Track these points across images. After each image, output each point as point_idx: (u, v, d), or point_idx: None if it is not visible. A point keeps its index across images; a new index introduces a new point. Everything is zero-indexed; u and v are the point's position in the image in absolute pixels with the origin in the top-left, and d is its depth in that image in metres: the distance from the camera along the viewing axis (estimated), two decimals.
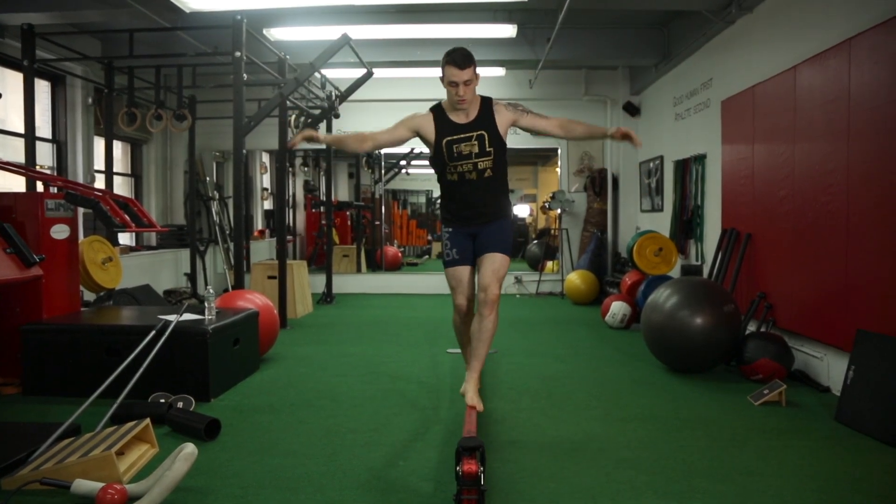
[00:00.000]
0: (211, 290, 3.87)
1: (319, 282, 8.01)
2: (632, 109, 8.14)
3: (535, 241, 11.41)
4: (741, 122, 4.92)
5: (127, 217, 4.19)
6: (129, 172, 7.98)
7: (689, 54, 6.20)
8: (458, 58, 2.85)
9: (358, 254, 9.68)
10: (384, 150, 8.81)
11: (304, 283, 6.95)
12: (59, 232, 4.03)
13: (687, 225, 6.25)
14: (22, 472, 2.43)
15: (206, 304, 3.85)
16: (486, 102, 3.03)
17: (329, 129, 7.59)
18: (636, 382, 4.03)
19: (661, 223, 6.87)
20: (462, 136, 2.97)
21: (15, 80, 5.71)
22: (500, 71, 7.79)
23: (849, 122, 3.54)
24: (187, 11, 5.09)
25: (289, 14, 5.87)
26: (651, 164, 7.45)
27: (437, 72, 2.99)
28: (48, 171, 6.14)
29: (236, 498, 2.37)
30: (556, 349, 5.06)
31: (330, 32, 5.74)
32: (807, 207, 3.98)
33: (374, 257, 9.90)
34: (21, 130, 5.36)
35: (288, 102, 6.09)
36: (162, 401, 3.34)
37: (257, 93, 7.56)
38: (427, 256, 13.16)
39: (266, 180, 10.70)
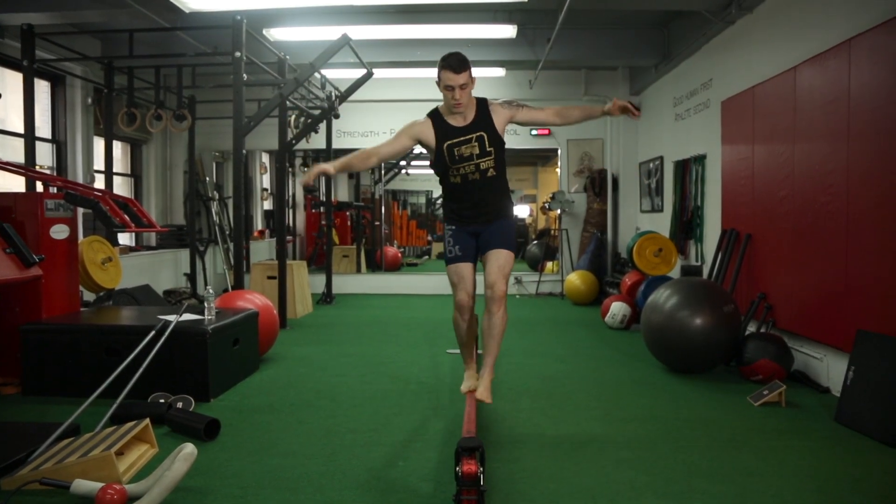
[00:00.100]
0: (210, 291, 3.87)
1: (319, 282, 8.01)
2: None
3: (535, 242, 11.41)
4: (741, 122, 4.92)
5: (126, 217, 4.19)
6: (129, 172, 7.98)
7: (689, 55, 6.21)
8: (454, 62, 2.88)
9: (358, 254, 9.68)
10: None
11: (304, 283, 6.95)
12: (59, 232, 4.03)
13: (687, 225, 6.25)
14: (21, 472, 2.43)
15: (205, 305, 3.85)
16: (482, 103, 3.05)
17: (329, 129, 7.60)
18: (636, 383, 4.03)
19: (661, 224, 6.87)
20: (462, 138, 3.00)
21: (15, 80, 5.71)
22: (500, 71, 7.79)
23: (849, 123, 3.54)
24: (187, 11, 5.09)
25: (289, 14, 5.87)
26: (651, 165, 7.45)
27: (436, 72, 2.99)
28: (48, 172, 6.14)
29: (236, 498, 2.37)
30: (556, 349, 5.06)
31: (330, 32, 5.74)
32: (807, 208, 3.98)
33: (373, 258, 9.90)
34: (21, 130, 5.36)
35: (288, 102, 6.09)
36: (161, 401, 3.34)
37: (257, 93, 7.56)
38: (427, 257, 13.16)
39: (266, 180, 10.71)
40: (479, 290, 3.07)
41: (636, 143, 8.20)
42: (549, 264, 9.10)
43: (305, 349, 5.04)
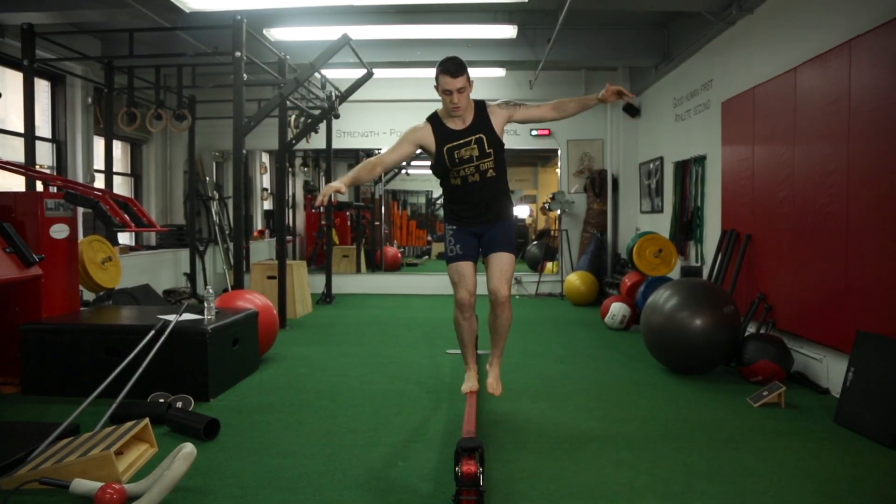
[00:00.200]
0: (210, 290, 3.87)
1: (319, 282, 8.01)
2: (632, 110, 8.15)
3: (535, 242, 11.41)
4: (741, 123, 4.92)
5: (126, 217, 4.18)
6: (129, 172, 7.98)
7: (689, 55, 6.21)
8: (451, 67, 2.92)
9: (357, 254, 9.68)
10: (384, 150, 8.80)
11: (304, 283, 6.95)
12: (59, 231, 4.03)
13: (687, 226, 6.25)
14: (21, 471, 2.43)
15: (205, 304, 3.85)
16: (480, 106, 3.09)
17: (329, 129, 7.60)
18: (636, 383, 4.03)
19: (661, 224, 6.87)
20: (461, 141, 3.04)
21: (15, 79, 5.71)
22: (500, 72, 7.79)
23: (849, 124, 3.54)
24: (187, 11, 5.09)
25: (289, 14, 5.87)
26: (651, 166, 7.45)
27: (434, 77, 3.02)
28: (48, 171, 6.14)
29: (235, 498, 2.37)
30: (556, 350, 5.06)
31: (330, 32, 5.74)
32: (807, 209, 3.98)
33: (373, 258, 9.90)
34: (21, 130, 5.36)
35: (288, 102, 6.09)
36: (161, 400, 3.34)
37: (257, 93, 7.56)
38: (427, 257, 13.16)
39: (266, 180, 10.71)
40: (480, 289, 3.09)
41: (636, 143, 8.20)
42: (549, 265, 9.10)
43: (305, 349, 5.04)
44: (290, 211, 10.76)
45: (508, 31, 6.15)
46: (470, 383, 3.27)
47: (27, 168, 4.95)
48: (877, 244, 3.33)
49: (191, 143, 7.45)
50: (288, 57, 6.14)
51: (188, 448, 2.34)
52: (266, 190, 10.72)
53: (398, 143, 3.09)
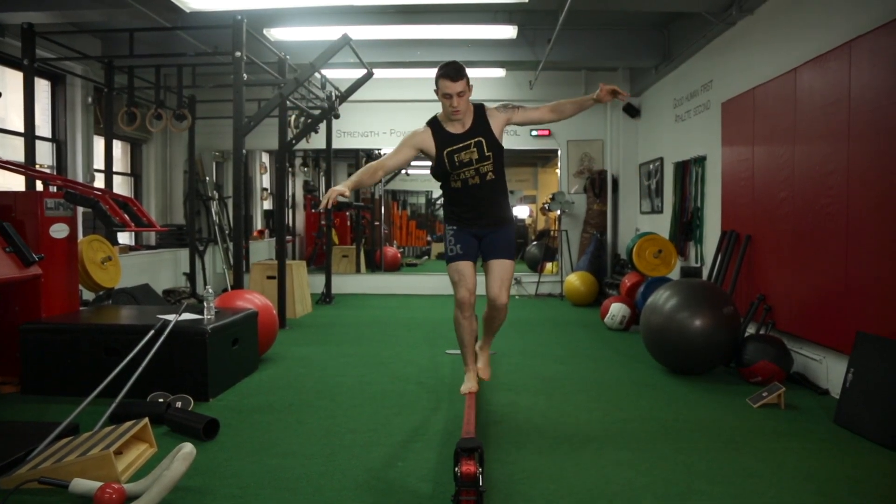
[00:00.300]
0: (210, 290, 3.87)
1: (318, 282, 8.01)
2: (632, 111, 8.15)
3: (535, 243, 11.41)
4: (741, 123, 4.93)
5: (126, 216, 4.18)
6: (129, 172, 7.98)
7: (689, 56, 6.21)
8: (451, 71, 2.95)
9: (357, 254, 9.68)
10: (384, 150, 8.80)
11: (304, 283, 6.95)
12: (59, 231, 4.03)
13: (687, 227, 6.25)
14: (20, 471, 2.43)
15: (205, 304, 3.84)
16: (479, 109, 3.13)
17: (329, 129, 7.60)
18: (635, 384, 4.03)
19: (661, 225, 6.87)
20: (461, 145, 3.07)
21: (15, 79, 5.71)
22: (500, 72, 7.79)
23: (849, 124, 3.54)
24: (187, 11, 5.09)
25: (289, 14, 5.87)
26: (651, 166, 7.45)
27: (434, 81, 3.04)
28: (48, 171, 6.14)
29: (235, 498, 2.37)
30: (555, 350, 5.06)
31: (330, 32, 5.74)
32: (807, 209, 3.98)
33: (373, 258, 9.90)
34: (21, 129, 5.36)
35: (288, 102, 6.09)
36: (160, 400, 3.33)
37: (257, 93, 7.56)
38: (426, 257, 13.17)
39: (266, 180, 10.71)
40: (479, 289, 3.10)
41: (636, 144, 8.20)
42: (549, 265, 9.10)
43: (305, 349, 5.04)
44: (290, 211, 10.76)
45: (508, 32, 6.15)
46: (469, 384, 3.28)
47: (27, 167, 4.94)
48: (877, 245, 3.33)
49: (191, 142, 7.45)
50: (288, 57, 6.14)
51: (187, 448, 2.34)
52: (266, 190, 10.72)
53: (399, 147, 3.13)
